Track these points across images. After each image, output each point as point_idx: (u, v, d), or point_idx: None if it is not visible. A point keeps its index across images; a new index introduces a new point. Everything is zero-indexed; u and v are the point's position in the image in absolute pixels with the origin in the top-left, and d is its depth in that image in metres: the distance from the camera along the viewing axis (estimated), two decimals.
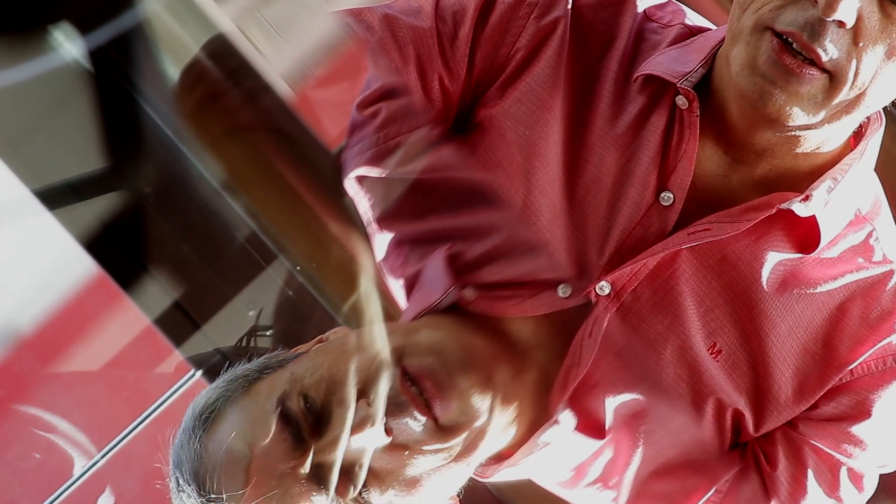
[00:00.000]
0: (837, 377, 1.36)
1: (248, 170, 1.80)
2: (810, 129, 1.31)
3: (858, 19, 1.21)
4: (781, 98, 1.25)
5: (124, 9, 1.73)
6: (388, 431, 1.30)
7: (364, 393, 1.30)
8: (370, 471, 1.30)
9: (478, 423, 1.34)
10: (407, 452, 1.31)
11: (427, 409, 1.31)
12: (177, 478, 1.35)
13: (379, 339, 1.36)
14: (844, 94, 1.26)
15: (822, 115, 1.27)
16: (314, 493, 1.29)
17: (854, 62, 1.23)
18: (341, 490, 1.30)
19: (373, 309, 1.41)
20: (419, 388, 1.31)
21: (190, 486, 1.32)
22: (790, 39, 1.23)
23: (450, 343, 1.36)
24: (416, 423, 1.30)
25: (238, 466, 1.29)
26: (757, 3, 1.26)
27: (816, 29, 1.21)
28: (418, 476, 1.32)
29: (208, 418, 1.33)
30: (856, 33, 1.22)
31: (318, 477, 1.29)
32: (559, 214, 1.39)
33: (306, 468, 1.28)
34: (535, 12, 1.44)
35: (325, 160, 1.84)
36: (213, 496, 1.29)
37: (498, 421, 1.37)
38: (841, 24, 1.20)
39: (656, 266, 1.35)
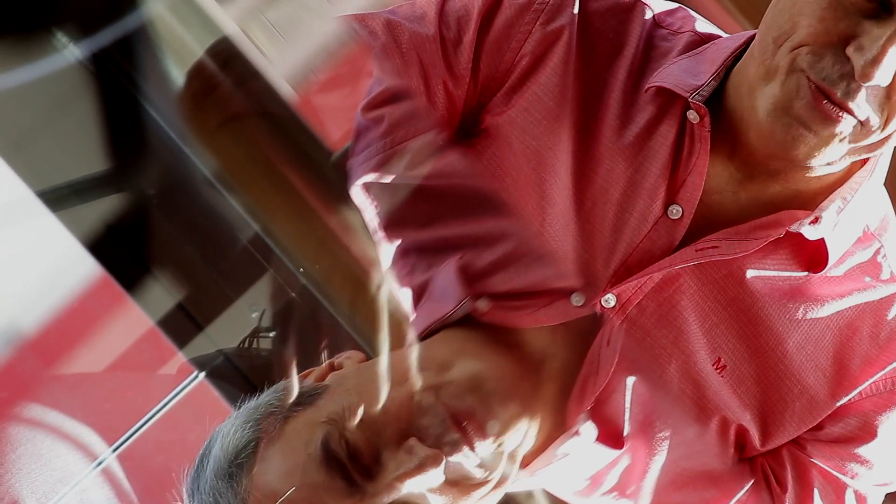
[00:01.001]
0: (846, 396, 1.36)
1: (252, 172, 1.80)
2: (829, 165, 1.31)
3: (894, 77, 1.20)
4: (812, 141, 1.24)
5: (128, 10, 1.72)
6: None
7: (409, 432, 1.29)
8: None
9: (512, 448, 1.34)
10: (457, 489, 1.31)
11: (474, 448, 1.30)
12: None
13: (411, 371, 1.34)
14: (872, 140, 1.26)
15: (843, 151, 1.27)
16: None
17: (886, 113, 1.23)
18: None
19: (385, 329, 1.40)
20: (466, 425, 1.30)
21: None
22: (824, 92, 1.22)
23: (485, 373, 1.34)
24: (465, 459, 1.30)
25: None
26: (792, 41, 1.24)
27: (851, 87, 1.21)
28: None
29: (244, 463, 1.30)
30: (890, 90, 1.21)
31: None
32: (567, 225, 1.38)
33: None
34: (541, 18, 1.43)
35: (328, 162, 1.84)
36: None
37: (528, 439, 1.37)
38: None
39: (661, 280, 1.35)
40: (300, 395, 1.36)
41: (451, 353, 1.38)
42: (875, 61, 1.18)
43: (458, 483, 1.31)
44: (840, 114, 1.23)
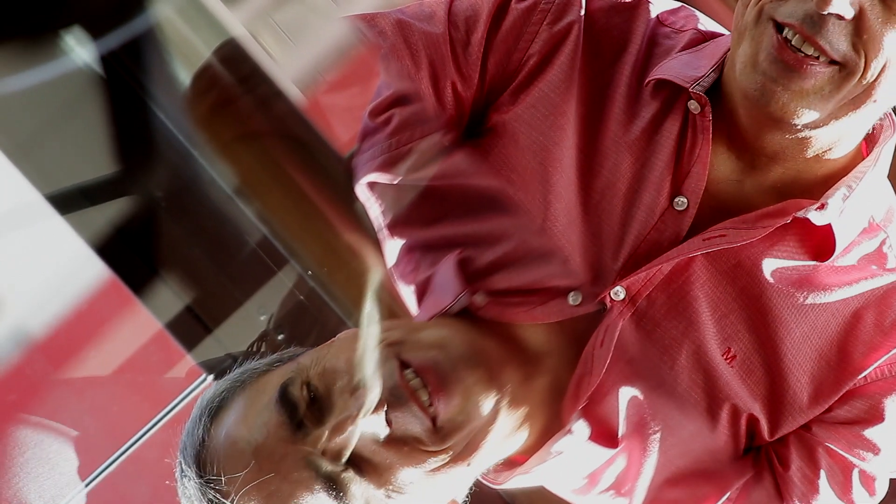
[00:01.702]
0: (851, 382, 1.36)
1: (260, 174, 1.81)
2: (818, 127, 1.31)
3: (861, 12, 1.22)
4: (784, 96, 1.26)
5: (136, 13, 1.73)
6: (388, 423, 1.30)
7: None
8: (369, 463, 1.30)
9: (478, 422, 1.33)
10: (406, 449, 1.31)
11: (424, 407, 1.31)
12: (180, 462, 1.36)
13: (384, 331, 1.36)
14: (853, 87, 1.27)
15: (829, 108, 1.27)
16: (312, 480, 1.29)
17: (863, 54, 1.24)
18: (337, 477, 1.29)
19: (375, 304, 1.40)
20: (423, 380, 1.31)
21: (191, 468, 1.33)
22: (790, 34, 1.24)
23: (455, 339, 1.36)
24: (414, 418, 1.30)
25: (238, 450, 1.30)
26: None
27: (816, 21, 1.23)
28: (417, 474, 1.32)
29: (215, 407, 1.35)
30: (858, 26, 1.23)
31: (316, 463, 1.29)
32: (574, 220, 1.39)
33: (305, 454, 1.28)
34: (548, 18, 1.44)
35: (337, 165, 1.84)
36: (211, 478, 1.30)
37: (503, 424, 1.36)
38: (839, 17, 1.21)
39: (671, 271, 1.35)
40: (286, 355, 1.42)
41: (429, 323, 1.42)
42: None
43: (408, 443, 1.31)
44: (805, 63, 1.24)
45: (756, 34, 1.27)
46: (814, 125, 1.30)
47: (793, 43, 1.24)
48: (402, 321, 1.44)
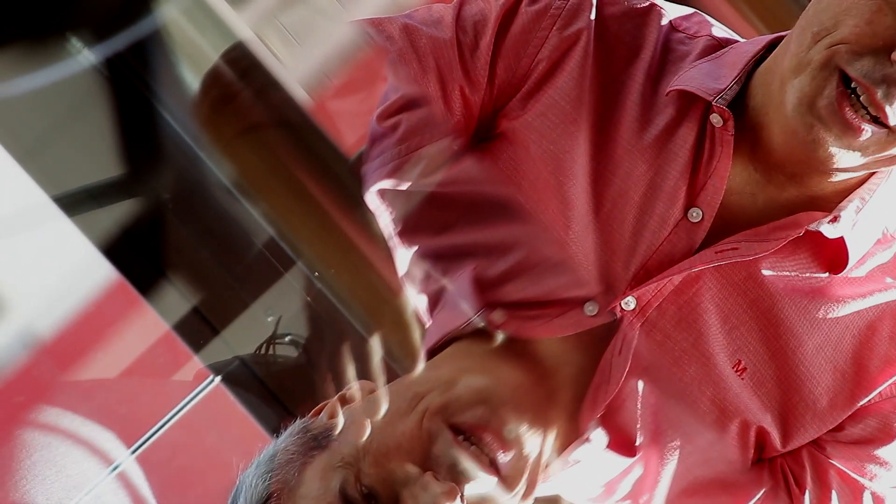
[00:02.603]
0: (867, 397, 1.36)
1: (267, 176, 1.80)
2: (849, 171, 1.32)
3: None
4: (833, 147, 1.26)
5: (142, 15, 1.73)
6: (462, 499, 1.28)
7: (424, 465, 1.28)
8: None
9: (533, 456, 1.33)
10: None
11: (493, 467, 1.29)
12: None
13: (419, 397, 1.33)
14: (893, 152, 1.27)
15: (865, 160, 1.28)
16: None
17: None
18: None
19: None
20: (478, 443, 1.30)
21: None
22: (858, 90, 1.23)
23: (492, 386, 1.34)
24: (482, 481, 1.29)
25: None
26: (832, 38, 1.24)
27: (892, 91, 1.22)
28: None
29: None
30: None
31: None
32: (585, 228, 1.38)
33: None
34: (558, 23, 1.43)
35: (343, 167, 1.84)
36: None
37: (546, 446, 1.36)
38: None
39: (682, 282, 1.35)
40: (314, 437, 1.35)
41: (456, 369, 1.38)
42: None
43: (484, 502, 1.30)
44: (861, 125, 1.24)
45: (819, 77, 1.25)
46: (846, 170, 1.31)
47: (860, 100, 1.23)
48: (428, 376, 1.39)
